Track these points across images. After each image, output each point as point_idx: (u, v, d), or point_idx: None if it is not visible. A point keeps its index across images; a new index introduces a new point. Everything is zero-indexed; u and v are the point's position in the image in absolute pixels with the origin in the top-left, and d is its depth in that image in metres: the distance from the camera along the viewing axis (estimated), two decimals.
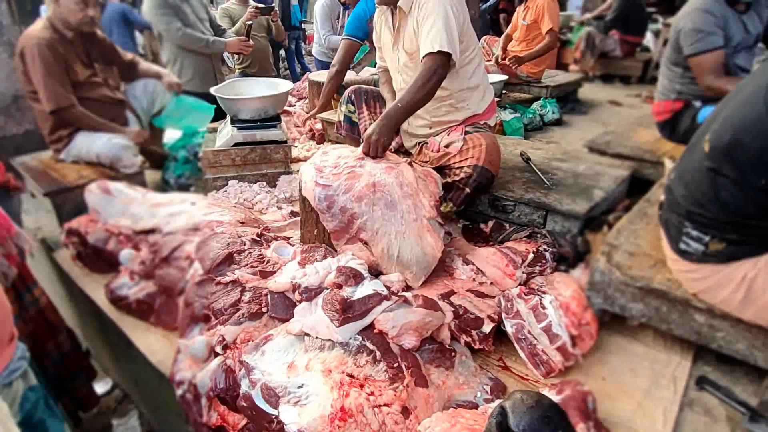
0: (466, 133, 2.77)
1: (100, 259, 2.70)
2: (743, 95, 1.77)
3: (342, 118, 3.42)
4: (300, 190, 2.47)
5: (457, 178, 2.65)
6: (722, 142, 1.75)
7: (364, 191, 2.23)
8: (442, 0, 2.58)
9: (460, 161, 2.67)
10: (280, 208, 3.29)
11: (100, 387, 3.17)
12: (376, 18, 3.05)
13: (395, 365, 1.80)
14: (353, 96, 3.35)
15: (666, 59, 3.50)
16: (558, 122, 5.30)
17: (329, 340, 1.85)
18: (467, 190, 2.65)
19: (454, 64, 2.60)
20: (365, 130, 3.19)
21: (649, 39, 8.22)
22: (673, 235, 2.00)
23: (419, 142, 3.04)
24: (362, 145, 2.44)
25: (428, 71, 2.50)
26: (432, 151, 2.84)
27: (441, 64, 2.51)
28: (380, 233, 2.20)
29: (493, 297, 2.24)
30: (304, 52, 11.05)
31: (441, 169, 2.71)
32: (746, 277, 1.77)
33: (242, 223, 2.69)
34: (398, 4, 2.70)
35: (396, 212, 2.23)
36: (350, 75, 4.83)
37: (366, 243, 2.25)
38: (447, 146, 2.77)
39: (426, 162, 2.82)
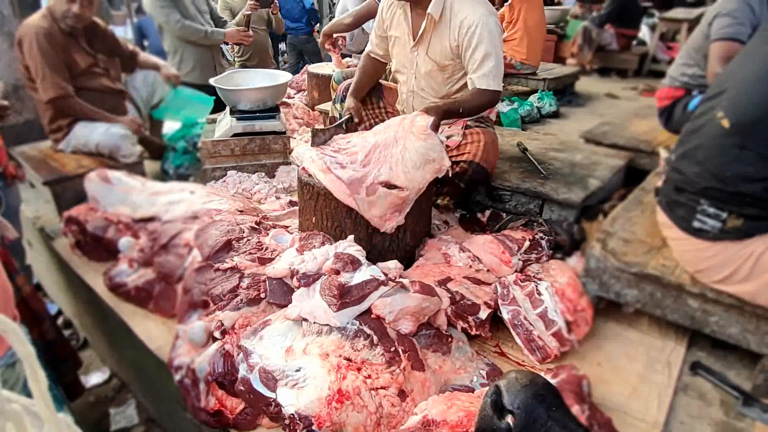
0: (467, 127, 2.77)
1: (99, 247, 2.71)
2: (763, 68, 1.78)
3: (338, 116, 3.37)
4: (298, 179, 2.48)
5: (451, 172, 2.65)
6: (748, 116, 1.76)
7: (368, 158, 2.29)
8: (490, 28, 2.55)
9: (457, 156, 2.67)
10: (278, 197, 3.30)
11: (97, 377, 3.18)
12: (388, 4, 2.91)
13: (392, 349, 1.82)
14: (347, 93, 3.24)
15: (688, 43, 3.46)
16: (555, 114, 5.30)
17: (327, 324, 1.86)
18: (461, 185, 2.66)
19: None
20: (365, 128, 3.17)
21: (645, 33, 8.20)
22: (683, 215, 1.99)
23: None
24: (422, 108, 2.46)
25: (483, 99, 2.58)
26: None
27: (493, 98, 2.59)
28: (394, 167, 2.25)
29: (490, 284, 2.26)
30: None
31: None
32: (754, 253, 1.78)
33: (241, 211, 2.70)
34: (428, 10, 2.61)
35: (392, 146, 2.30)
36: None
37: (389, 186, 2.29)
38: (447, 138, 2.78)
39: None
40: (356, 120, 2.88)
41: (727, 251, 1.86)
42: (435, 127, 2.33)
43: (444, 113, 2.47)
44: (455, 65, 2.72)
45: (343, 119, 2.78)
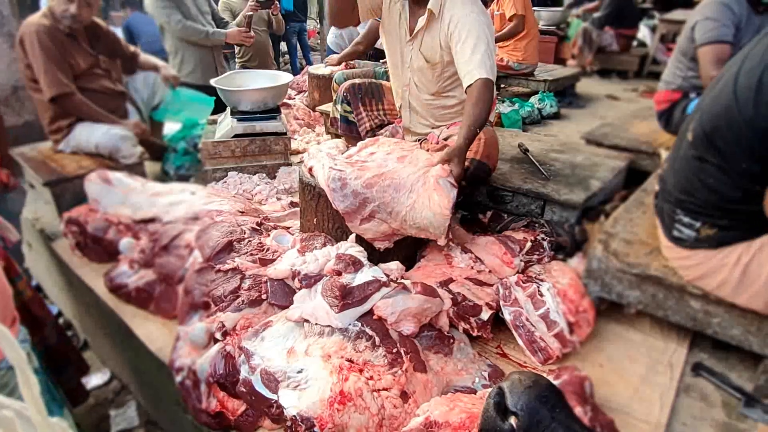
0: None
1: (99, 249, 2.70)
2: (719, 86, 1.82)
3: (338, 117, 3.36)
4: (300, 180, 2.48)
5: None
6: (703, 131, 1.81)
7: (375, 180, 2.21)
8: (479, 21, 2.56)
9: None
10: (279, 199, 3.30)
11: (98, 378, 3.17)
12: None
13: (394, 351, 1.81)
14: (348, 95, 3.26)
15: (677, 48, 3.52)
16: (556, 116, 5.32)
17: (328, 326, 1.86)
18: (463, 183, 2.65)
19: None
20: (366, 130, 3.18)
21: (645, 34, 8.24)
22: (667, 223, 2.03)
23: (418, 139, 3.04)
24: (445, 153, 2.33)
25: (486, 93, 2.46)
26: (432, 143, 2.84)
27: (490, 88, 2.49)
28: (394, 213, 2.20)
29: (492, 285, 2.25)
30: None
31: None
32: (740, 262, 1.79)
33: (242, 212, 2.70)
34: (428, 5, 2.63)
35: (403, 191, 2.20)
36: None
37: (382, 220, 2.26)
38: (446, 139, 2.78)
39: None
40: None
41: (710, 261, 1.88)
42: (458, 177, 2.28)
43: (466, 148, 2.39)
44: (444, 63, 2.74)
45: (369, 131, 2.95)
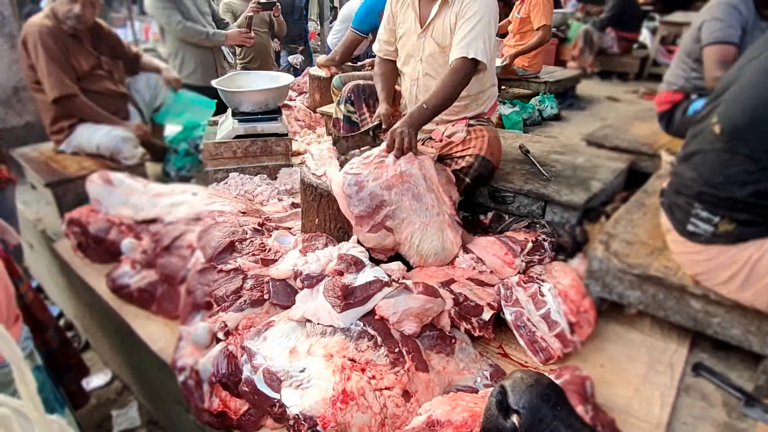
0: (470, 125, 2.78)
1: (101, 249, 2.71)
2: (754, 74, 1.80)
3: (341, 117, 3.34)
4: (301, 181, 2.49)
5: (458, 167, 2.65)
6: (738, 121, 1.79)
7: (393, 181, 2.23)
8: (487, 6, 2.57)
9: (462, 150, 2.68)
10: (280, 199, 3.31)
11: (99, 379, 3.17)
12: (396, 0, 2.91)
13: (396, 350, 1.82)
14: (352, 95, 3.21)
15: (681, 49, 3.52)
16: (556, 117, 5.32)
17: (330, 325, 1.87)
18: (467, 180, 2.66)
19: (483, 68, 2.61)
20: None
21: (646, 36, 8.26)
22: (680, 218, 2.01)
23: (423, 138, 3.03)
24: (387, 140, 2.36)
25: (458, 75, 2.49)
26: (435, 140, 2.85)
27: (471, 70, 2.52)
28: (406, 222, 2.23)
29: (493, 285, 2.26)
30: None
31: (442, 159, 2.71)
32: (750, 259, 1.79)
33: (243, 213, 2.71)
34: None
35: (422, 204, 2.26)
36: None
37: (390, 230, 2.28)
38: (450, 136, 2.78)
39: None
40: (385, 126, 2.83)
41: (722, 256, 1.87)
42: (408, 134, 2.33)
43: (415, 119, 2.42)
44: None
45: (371, 126, 2.81)
